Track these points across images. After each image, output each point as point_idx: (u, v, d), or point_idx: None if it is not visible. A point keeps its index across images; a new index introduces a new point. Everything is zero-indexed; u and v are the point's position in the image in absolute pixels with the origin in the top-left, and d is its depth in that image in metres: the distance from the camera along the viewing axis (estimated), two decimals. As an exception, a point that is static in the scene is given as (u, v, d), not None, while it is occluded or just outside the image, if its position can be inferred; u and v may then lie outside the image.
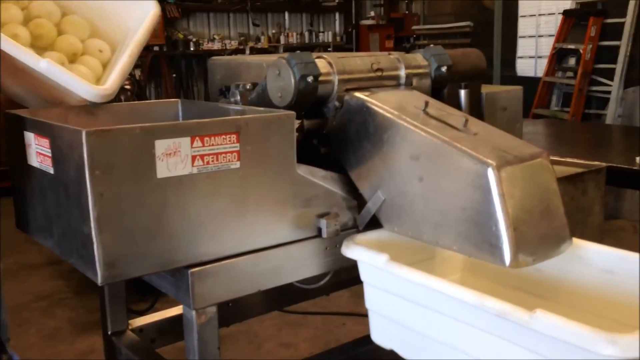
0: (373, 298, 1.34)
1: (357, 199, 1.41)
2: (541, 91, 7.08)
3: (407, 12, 9.78)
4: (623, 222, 5.00)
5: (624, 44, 6.31)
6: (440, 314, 1.16)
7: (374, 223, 1.38)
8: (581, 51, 6.64)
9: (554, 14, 7.26)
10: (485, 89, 1.73)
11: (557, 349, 0.96)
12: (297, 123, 1.34)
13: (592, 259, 1.27)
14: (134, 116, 1.54)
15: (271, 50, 8.70)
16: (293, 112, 1.29)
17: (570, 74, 6.94)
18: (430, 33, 8.97)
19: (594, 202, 1.89)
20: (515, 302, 1.02)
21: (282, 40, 9.10)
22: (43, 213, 1.31)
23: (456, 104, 1.57)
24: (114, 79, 1.33)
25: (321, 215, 1.35)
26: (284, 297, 2.04)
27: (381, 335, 1.36)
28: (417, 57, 1.58)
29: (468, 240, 1.17)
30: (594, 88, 6.68)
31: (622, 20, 6.37)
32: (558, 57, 7.05)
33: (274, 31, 9.19)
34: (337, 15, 9.84)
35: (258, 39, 8.95)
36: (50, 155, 1.21)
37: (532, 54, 7.62)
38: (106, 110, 1.44)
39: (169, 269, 1.20)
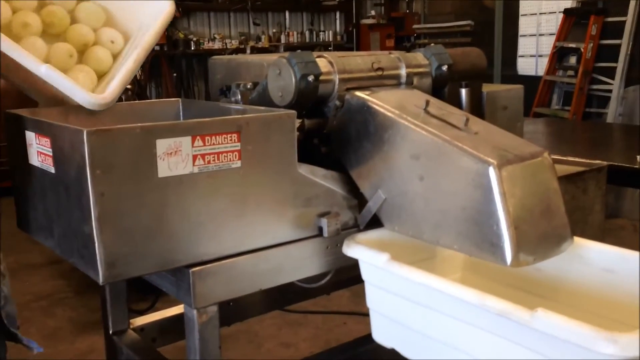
0: (374, 297, 1.34)
1: (357, 198, 1.41)
2: (542, 90, 7.08)
3: (407, 11, 9.78)
4: (623, 221, 5.00)
5: (624, 43, 6.31)
6: (441, 313, 1.16)
7: (375, 222, 1.38)
8: (582, 50, 6.63)
9: (554, 12, 7.25)
10: (486, 88, 1.73)
11: (558, 348, 0.96)
12: (297, 122, 1.34)
13: (592, 258, 1.27)
14: (135, 116, 1.54)
15: (272, 49, 8.70)
16: (294, 112, 1.30)
17: (571, 72, 6.94)
18: (431, 32, 8.97)
19: (595, 201, 1.89)
20: (516, 302, 1.02)
21: (283, 39, 9.10)
22: (44, 213, 1.31)
23: (457, 103, 1.57)
24: (114, 87, 1.31)
25: (322, 215, 1.35)
26: (284, 296, 2.04)
27: (382, 334, 1.36)
28: (418, 56, 1.58)
29: (469, 239, 1.17)
30: (595, 87, 6.68)
31: (623, 19, 6.37)
32: (559, 56, 7.04)
33: (274, 30, 9.19)
34: (337, 14, 9.84)
35: (259, 39, 8.95)
36: (51, 154, 1.21)
37: (533, 53, 7.62)
38: (107, 110, 1.44)
39: (169, 269, 1.20)
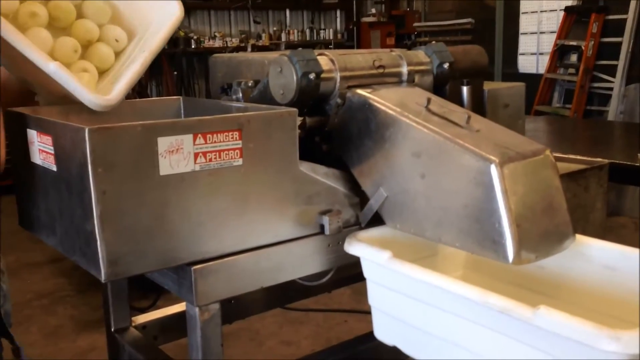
0: (376, 295, 1.34)
1: (359, 196, 1.41)
2: (543, 88, 7.08)
3: (408, 9, 9.78)
4: (624, 219, 5.00)
5: (625, 41, 6.30)
6: (443, 311, 1.16)
7: (376, 220, 1.38)
8: (583, 48, 6.63)
9: (555, 10, 7.25)
10: (488, 85, 1.73)
11: (560, 345, 0.96)
12: (299, 120, 1.34)
13: (594, 256, 1.27)
14: (136, 114, 1.54)
15: (272, 47, 8.70)
16: (295, 109, 1.29)
17: (572, 70, 6.94)
18: (432, 30, 8.96)
19: (596, 199, 1.89)
20: (518, 299, 1.02)
21: (283, 37, 9.09)
22: (46, 211, 1.31)
23: (458, 101, 1.57)
24: (120, 89, 1.31)
25: (323, 212, 1.35)
26: (285, 294, 2.04)
27: (384, 332, 1.36)
28: (419, 54, 1.58)
29: (470, 237, 1.17)
30: (596, 85, 6.67)
31: (624, 16, 6.37)
32: (560, 54, 7.04)
33: (275, 29, 9.18)
34: (338, 12, 9.83)
35: (259, 37, 8.95)
36: (52, 152, 1.21)
37: (534, 51, 7.61)
38: (108, 108, 1.44)
39: (171, 266, 1.20)
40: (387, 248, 1.25)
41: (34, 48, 1.23)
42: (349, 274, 1.42)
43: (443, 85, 1.59)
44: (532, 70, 7.61)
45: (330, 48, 8.47)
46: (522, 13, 7.70)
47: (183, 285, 1.23)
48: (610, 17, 6.57)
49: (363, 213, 1.40)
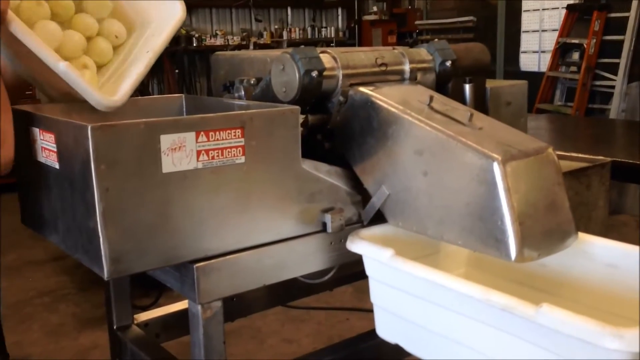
0: (378, 293, 1.34)
1: (361, 194, 1.41)
2: (544, 86, 7.07)
3: (409, 7, 9.77)
4: (626, 217, 4.99)
5: (627, 39, 6.29)
6: (446, 309, 1.16)
7: (379, 218, 1.38)
8: (585, 46, 6.62)
9: (557, 8, 7.24)
10: (490, 83, 1.73)
11: (563, 343, 0.96)
12: (301, 118, 1.34)
13: (596, 254, 1.27)
14: (138, 111, 1.54)
15: (274, 46, 8.70)
16: (297, 107, 1.29)
17: (573, 68, 6.93)
18: (433, 28, 8.95)
19: (598, 197, 1.88)
20: (520, 297, 1.02)
21: (285, 35, 9.09)
22: (48, 208, 1.31)
23: (460, 99, 1.57)
24: (125, 90, 1.32)
25: (326, 210, 1.35)
26: (287, 292, 2.04)
27: (386, 329, 1.36)
28: (421, 52, 1.57)
29: (473, 234, 1.17)
30: (598, 83, 6.67)
31: (626, 14, 6.36)
32: (561, 52, 7.03)
33: (276, 27, 9.18)
34: (339, 10, 9.82)
35: (260, 35, 8.94)
36: (55, 150, 1.21)
37: (536, 49, 7.61)
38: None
39: (174, 264, 1.20)
40: (389, 246, 1.25)
41: (44, 47, 1.23)
42: (351, 272, 1.42)
43: (445, 83, 1.59)
44: (533, 68, 7.61)
45: (332, 46, 8.45)
46: (524, 11, 7.70)
47: (185, 283, 1.24)
48: (612, 15, 6.56)
49: (365, 211, 1.40)
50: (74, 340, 3.29)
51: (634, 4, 6.26)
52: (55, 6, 1.39)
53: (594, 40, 6.55)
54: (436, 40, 1.61)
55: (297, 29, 9.26)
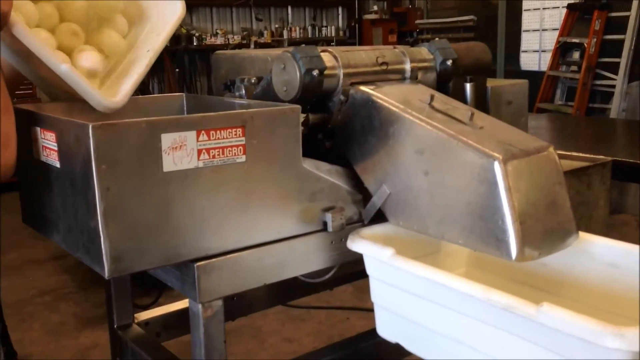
0: (379, 292, 1.34)
1: (362, 193, 1.41)
2: (545, 85, 7.07)
3: (410, 6, 9.77)
4: (626, 217, 4.99)
5: (628, 38, 6.29)
6: (446, 308, 1.16)
7: (379, 217, 1.38)
8: (585, 45, 6.62)
9: (558, 7, 7.23)
10: (491, 82, 1.73)
11: (563, 342, 0.96)
12: (302, 117, 1.34)
13: (597, 253, 1.27)
14: (139, 110, 1.54)
15: (274, 45, 8.69)
16: (298, 106, 1.29)
17: (574, 68, 6.93)
18: (434, 27, 8.95)
19: (599, 196, 1.88)
20: (521, 296, 1.02)
21: (285, 35, 9.09)
22: (49, 207, 1.31)
23: (461, 98, 1.57)
24: (126, 91, 1.32)
25: (326, 209, 1.35)
26: (287, 291, 2.04)
27: (387, 329, 1.36)
28: (422, 51, 1.57)
29: (474, 234, 1.17)
30: (598, 82, 6.66)
31: (626, 14, 6.35)
32: (562, 51, 7.03)
33: (276, 26, 9.18)
34: (339, 9, 9.82)
35: (261, 34, 8.94)
36: (56, 149, 1.21)
37: (536, 48, 7.60)
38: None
39: (174, 263, 1.20)
40: (390, 245, 1.25)
41: (46, 48, 1.24)
42: (352, 271, 1.42)
43: (446, 82, 1.59)
44: (534, 67, 7.60)
45: (332, 45, 8.45)
46: (525, 10, 7.69)
47: (186, 282, 1.24)
48: (613, 14, 6.55)
49: (366, 210, 1.40)
50: (75, 339, 3.29)
51: (635, 4, 6.26)
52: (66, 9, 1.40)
53: (595, 40, 6.55)
54: (437, 39, 1.61)
55: (297, 28, 9.25)
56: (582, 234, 1.25)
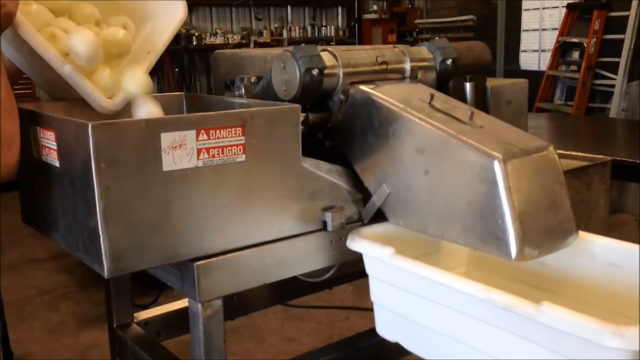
0: (378, 291, 1.34)
1: (362, 193, 1.41)
2: (545, 85, 7.06)
3: (409, 6, 9.76)
4: (626, 217, 5.00)
5: (628, 38, 6.28)
6: (446, 307, 1.16)
7: (379, 216, 1.38)
8: (585, 45, 6.61)
9: (557, 7, 7.23)
10: (491, 82, 1.73)
11: (563, 341, 0.96)
12: (302, 116, 1.34)
13: (597, 253, 1.27)
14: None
15: (274, 44, 8.69)
16: (298, 105, 1.29)
17: (574, 67, 6.92)
18: (433, 27, 8.94)
19: (599, 196, 1.89)
20: (520, 296, 1.02)
21: (285, 34, 9.08)
22: (49, 207, 1.31)
23: (461, 97, 1.57)
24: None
25: (326, 209, 1.35)
26: (287, 290, 2.04)
27: (386, 328, 1.36)
28: (422, 50, 1.57)
29: (474, 233, 1.17)
30: (598, 82, 6.66)
31: (626, 13, 6.35)
32: (562, 51, 7.03)
33: (276, 25, 9.17)
34: (339, 9, 9.81)
35: (260, 34, 8.93)
36: (55, 148, 1.21)
37: (536, 48, 7.60)
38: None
39: (174, 262, 1.20)
40: (390, 244, 1.25)
41: (50, 49, 1.24)
42: (351, 270, 1.42)
43: (446, 82, 1.59)
44: (534, 67, 7.60)
45: (332, 45, 8.46)
46: (524, 10, 7.69)
47: (186, 281, 1.23)
48: (613, 14, 6.55)
49: (366, 209, 1.40)
50: (75, 338, 3.29)
51: (634, 3, 6.25)
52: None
53: (594, 39, 6.54)
54: (437, 38, 1.61)
55: (297, 28, 9.25)
56: (581, 233, 1.25)
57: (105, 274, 1.10)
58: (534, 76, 6.79)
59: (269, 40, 8.82)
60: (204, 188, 1.18)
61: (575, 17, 6.90)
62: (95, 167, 1.06)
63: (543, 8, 7.46)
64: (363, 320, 3.17)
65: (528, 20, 7.68)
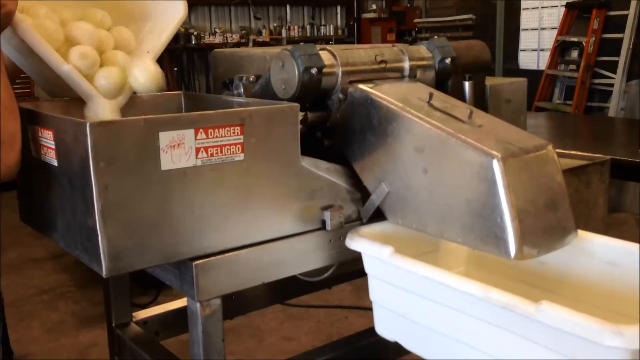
0: (377, 290, 1.34)
1: (361, 192, 1.40)
2: (544, 84, 7.07)
3: (408, 5, 9.76)
4: (625, 216, 5.00)
5: (627, 37, 6.28)
6: (445, 307, 1.15)
7: (378, 215, 1.37)
8: (584, 44, 6.62)
9: (556, 6, 7.23)
10: (490, 81, 1.73)
11: (563, 340, 0.96)
12: (301, 115, 1.33)
13: (596, 252, 1.26)
14: (137, 108, 1.53)
15: (273, 43, 8.68)
16: (297, 104, 1.29)
17: (573, 66, 6.93)
18: (432, 26, 8.94)
19: (598, 195, 1.88)
20: (519, 295, 1.02)
21: (284, 33, 9.08)
22: (47, 206, 1.31)
23: (460, 96, 1.57)
24: (126, 93, 1.34)
25: (325, 208, 1.35)
26: (286, 290, 2.04)
27: (385, 327, 1.36)
28: (421, 49, 1.57)
29: (473, 232, 1.17)
30: (597, 81, 6.66)
31: (625, 12, 6.35)
32: (561, 50, 7.03)
33: (275, 24, 9.17)
34: (338, 8, 9.81)
35: (259, 33, 8.93)
36: (54, 147, 1.21)
37: (535, 47, 7.60)
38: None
39: (173, 262, 1.20)
40: (389, 244, 1.25)
41: (49, 49, 1.24)
42: (350, 269, 1.42)
43: (445, 81, 1.59)
44: (533, 66, 7.60)
45: (331, 44, 8.45)
46: (523, 9, 7.69)
47: (184, 281, 1.23)
48: (612, 13, 6.55)
49: (365, 208, 1.40)
50: (74, 338, 3.29)
51: (633, 2, 6.25)
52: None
53: (593, 39, 6.54)
54: (436, 37, 1.61)
55: (296, 27, 9.25)
56: (581, 232, 1.25)
57: (104, 273, 1.10)
58: (533, 75, 6.78)
59: (268, 40, 8.81)
60: (203, 187, 1.18)
61: (574, 16, 6.90)
62: (94, 166, 1.06)
63: (542, 7, 7.46)
64: (362, 319, 3.17)
65: (527, 19, 7.68)
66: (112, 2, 1.49)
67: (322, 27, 9.52)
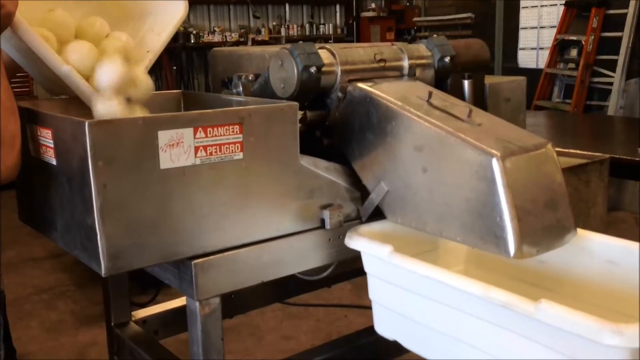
0: (377, 289, 1.34)
1: (360, 190, 1.40)
2: (543, 83, 7.06)
3: (408, 4, 9.75)
4: (624, 214, 5.00)
5: (626, 35, 6.28)
6: (445, 305, 1.15)
7: (377, 214, 1.37)
8: (583, 42, 6.61)
9: (555, 5, 7.23)
10: (489, 79, 1.73)
11: (562, 339, 0.96)
12: (300, 114, 1.33)
13: (595, 250, 1.26)
14: (136, 108, 1.53)
15: (272, 42, 8.68)
16: (296, 103, 1.29)
17: (572, 65, 6.92)
18: (432, 25, 8.93)
19: (597, 193, 1.89)
20: (519, 294, 1.02)
21: (283, 32, 9.07)
22: (46, 205, 1.30)
23: (459, 95, 1.57)
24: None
25: (324, 207, 1.35)
26: (285, 289, 2.04)
27: (385, 326, 1.36)
28: (420, 48, 1.57)
29: (472, 231, 1.17)
30: (596, 79, 6.66)
31: (624, 11, 6.34)
32: (560, 49, 7.02)
33: (274, 23, 9.16)
34: (337, 7, 9.80)
35: (259, 31, 8.92)
36: (52, 146, 1.20)
37: (534, 46, 7.60)
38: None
39: (172, 261, 1.20)
40: (388, 242, 1.25)
41: (48, 49, 1.24)
42: (350, 268, 1.42)
43: (444, 79, 1.59)
44: (532, 65, 7.60)
45: (330, 43, 8.43)
46: (522, 8, 7.68)
47: (184, 280, 1.23)
48: (611, 11, 6.54)
49: (364, 207, 1.40)
50: (73, 337, 3.29)
51: (632, 1, 6.25)
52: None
53: (593, 37, 6.54)
54: (435, 36, 1.61)
55: (295, 26, 9.24)
56: (580, 231, 1.25)
57: (103, 272, 1.10)
58: (532, 74, 6.78)
59: (267, 38, 8.80)
60: (202, 186, 1.17)
61: (574, 15, 6.89)
62: (92, 165, 1.05)
63: (541, 6, 7.46)
64: (361, 318, 3.17)
65: (526, 17, 7.68)
66: (112, 2, 1.48)
67: (321, 26, 9.52)
